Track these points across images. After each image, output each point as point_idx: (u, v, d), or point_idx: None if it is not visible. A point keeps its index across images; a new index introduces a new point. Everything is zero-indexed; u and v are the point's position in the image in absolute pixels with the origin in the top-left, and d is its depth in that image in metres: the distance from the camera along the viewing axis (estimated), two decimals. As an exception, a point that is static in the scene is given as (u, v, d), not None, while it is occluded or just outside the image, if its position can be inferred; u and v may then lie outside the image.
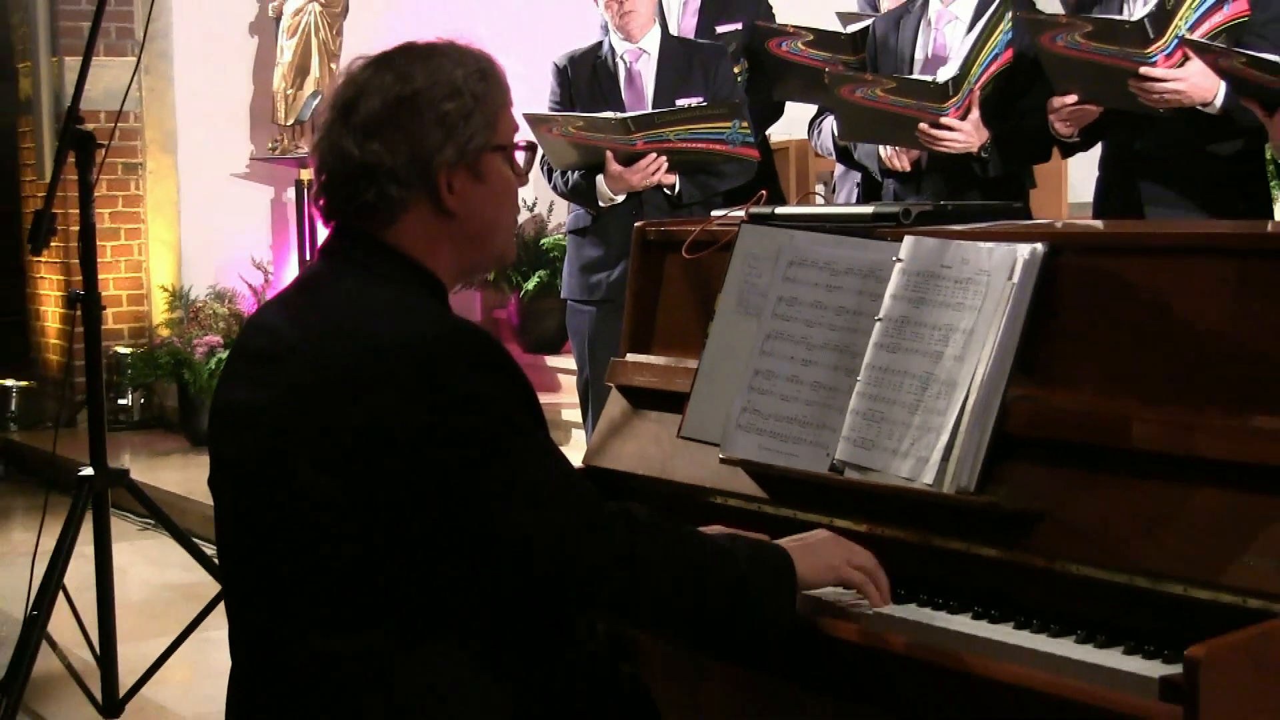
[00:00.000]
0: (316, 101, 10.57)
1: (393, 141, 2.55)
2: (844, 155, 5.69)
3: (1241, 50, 4.27)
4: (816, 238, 3.22)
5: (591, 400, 6.13)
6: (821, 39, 5.95)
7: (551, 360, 9.31)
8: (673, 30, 6.49)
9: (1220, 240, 2.81)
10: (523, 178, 2.72)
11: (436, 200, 2.58)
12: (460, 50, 2.64)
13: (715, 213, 3.66)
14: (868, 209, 3.32)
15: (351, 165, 2.56)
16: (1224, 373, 2.69)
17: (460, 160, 2.58)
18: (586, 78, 6.13)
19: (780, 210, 3.43)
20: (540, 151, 5.74)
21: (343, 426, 2.42)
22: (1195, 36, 4.49)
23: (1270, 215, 5.21)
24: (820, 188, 8.55)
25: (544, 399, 8.48)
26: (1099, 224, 4.13)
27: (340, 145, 2.57)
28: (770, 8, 6.70)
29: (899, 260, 3.05)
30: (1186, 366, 2.74)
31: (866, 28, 5.71)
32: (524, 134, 2.94)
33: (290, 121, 10.71)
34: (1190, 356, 2.73)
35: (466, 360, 2.47)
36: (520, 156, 2.72)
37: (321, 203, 2.65)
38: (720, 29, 6.46)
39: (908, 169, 5.34)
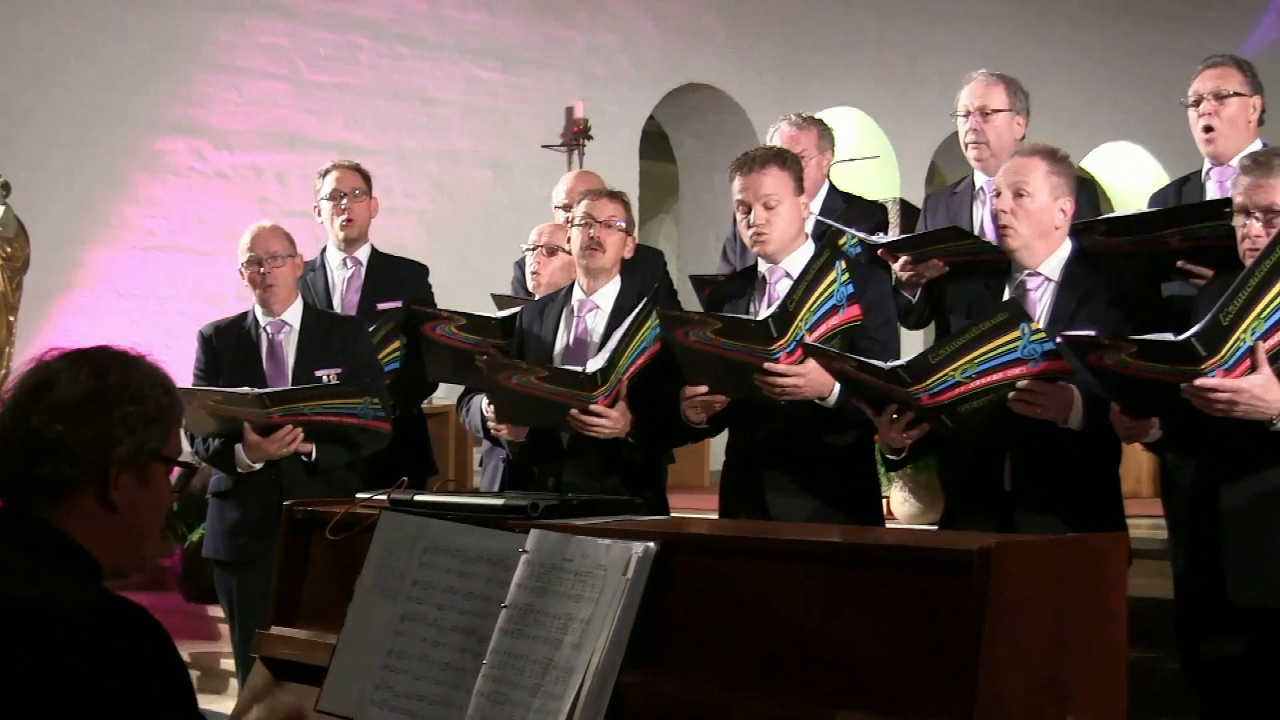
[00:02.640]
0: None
1: (78, 427, 2.58)
2: (489, 433, 5.75)
3: (852, 356, 4.47)
4: (451, 526, 3.28)
5: (239, 660, 6.01)
6: (474, 323, 6.03)
7: (212, 610, 9.12)
8: (336, 305, 6.54)
9: (813, 548, 2.92)
10: (172, 494, 2.75)
11: (104, 491, 2.60)
12: (149, 364, 2.70)
13: (360, 495, 3.70)
14: (499, 500, 3.39)
15: (35, 439, 2.58)
16: (817, 668, 2.77)
17: (134, 458, 2.62)
18: (231, 348, 6.11)
19: (419, 498, 3.48)
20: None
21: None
22: (814, 337, 4.69)
23: (879, 502, 5.41)
24: (477, 451, 8.61)
25: (204, 648, 8.18)
26: (714, 522, 4.26)
27: (27, 420, 2.59)
28: (430, 287, 6.78)
29: (525, 551, 3.11)
30: (784, 661, 2.82)
31: (516, 314, 5.82)
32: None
33: (-36, 369, 10.47)
34: (788, 652, 2.82)
35: (130, 633, 2.45)
36: (175, 473, 2.75)
37: None
38: (382, 306, 6.51)
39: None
